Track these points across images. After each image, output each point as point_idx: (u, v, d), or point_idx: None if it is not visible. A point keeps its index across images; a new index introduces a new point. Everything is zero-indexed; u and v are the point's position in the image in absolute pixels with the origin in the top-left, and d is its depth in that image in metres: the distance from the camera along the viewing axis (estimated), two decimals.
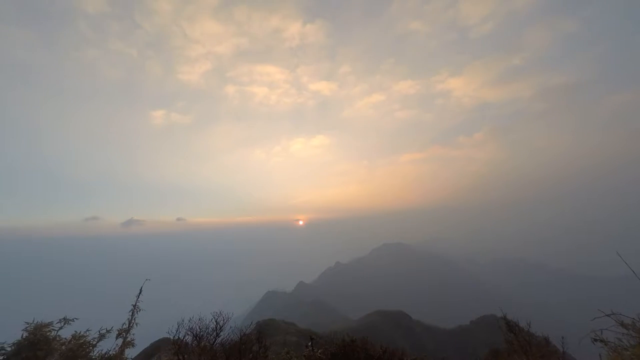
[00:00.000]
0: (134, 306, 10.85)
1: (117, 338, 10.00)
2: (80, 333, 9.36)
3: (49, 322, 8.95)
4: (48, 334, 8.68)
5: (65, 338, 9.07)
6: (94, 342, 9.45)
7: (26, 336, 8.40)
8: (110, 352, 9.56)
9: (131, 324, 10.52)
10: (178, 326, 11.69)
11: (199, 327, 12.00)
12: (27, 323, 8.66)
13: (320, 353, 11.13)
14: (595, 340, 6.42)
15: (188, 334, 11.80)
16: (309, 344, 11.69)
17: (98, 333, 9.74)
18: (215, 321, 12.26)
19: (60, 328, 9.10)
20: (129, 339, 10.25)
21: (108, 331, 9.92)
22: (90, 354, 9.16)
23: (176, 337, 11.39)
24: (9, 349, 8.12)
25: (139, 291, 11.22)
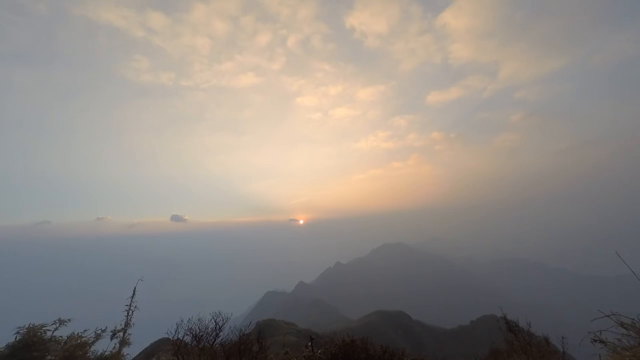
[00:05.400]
0: (129, 306, 10.84)
1: (111, 339, 9.98)
2: (77, 333, 9.32)
3: (42, 324, 8.85)
4: (43, 335, 8.60)
5: (62, 337, 9.00)
6: (91, 342, 9.42)
7: (19, 338, 8.31)
8: (106, 353, 9.53)
9: (127, 324, 10.51)
10: (177, 326, 11.65)
11: (198, 327, 11.94)
12: (20, 327, 8.55)
13: (320, 353, 11.09)
14: (595, 340, 6.38)
15: (187, 334, 11.75)
16: (309, 344, 11.65)
17: (94, 333, 9.71)
18: (215, 321, 12.20)
19: (56, 329, 9.03)
20: (125, 337, 10.23)
21: (103, 331, 9.90)
22: (88, 354, 9.11)
23: (175, 338, 11.36)
24: (4, 350, 8.03)
25: (132, 291, 11.22)
